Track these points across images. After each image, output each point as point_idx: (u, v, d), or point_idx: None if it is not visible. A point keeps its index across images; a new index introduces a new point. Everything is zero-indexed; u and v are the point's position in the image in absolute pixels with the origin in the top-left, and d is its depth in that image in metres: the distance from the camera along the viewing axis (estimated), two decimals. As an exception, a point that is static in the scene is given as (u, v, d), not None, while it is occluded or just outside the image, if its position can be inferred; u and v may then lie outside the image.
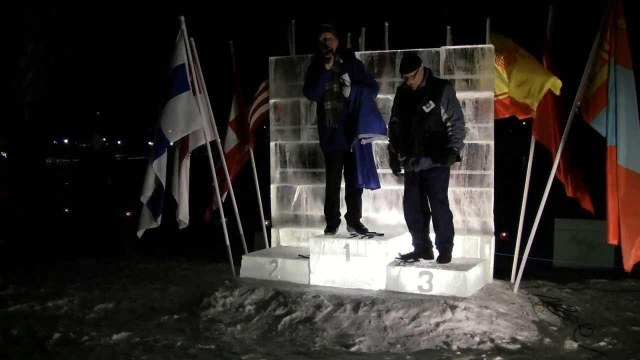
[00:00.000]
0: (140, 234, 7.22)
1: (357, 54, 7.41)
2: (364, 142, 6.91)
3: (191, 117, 7.10)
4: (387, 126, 7.01)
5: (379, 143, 7.50)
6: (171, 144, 7.18)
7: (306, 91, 7.09)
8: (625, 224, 5.80)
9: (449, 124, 6.49)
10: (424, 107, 6.51)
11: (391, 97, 7.45)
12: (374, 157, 7.54)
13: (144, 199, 7.09)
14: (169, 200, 7.41)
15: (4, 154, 11.61)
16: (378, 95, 7.30)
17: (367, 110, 6.85)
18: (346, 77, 6.90)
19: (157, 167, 6.99)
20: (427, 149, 6.53)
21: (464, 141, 6.82)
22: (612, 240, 5.89)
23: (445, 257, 6.70)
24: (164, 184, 7.05)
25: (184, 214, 7.42)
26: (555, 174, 6.57)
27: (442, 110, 6.49)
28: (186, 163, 7.45)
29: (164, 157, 7.07)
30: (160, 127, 6.99)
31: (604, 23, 6.08)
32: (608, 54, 5.98)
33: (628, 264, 5.87)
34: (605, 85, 5.95)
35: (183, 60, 7.11)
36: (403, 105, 6.73)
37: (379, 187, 7.11)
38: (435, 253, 6.85)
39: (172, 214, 7.43)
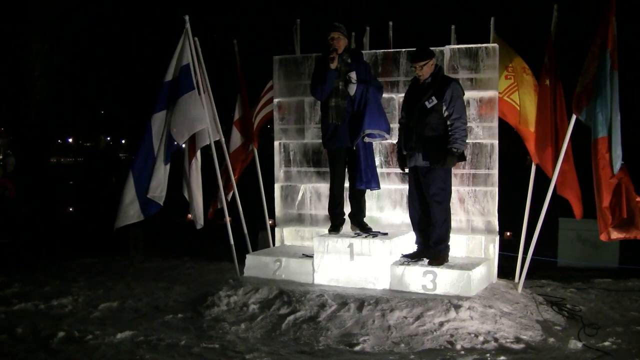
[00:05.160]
0: (118, 225, 6.96)
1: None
2: (367, 139, 6.89)
3: (197, 117, 7.09)
4: (391, 125, 7.01)
5: (383, 143, 7.50)
6: (176, 143, 7.17)
7: (313, 91, 7.07)
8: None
9: (448, 122, 6.45)
10: (426, 103, 6.49)
11: (395, 96, 7.48)
12: (379, 157, 7.55)
13: (156, 197, 6.92)
14: (177, 200, 7.42)
15: (9, 152, 11.64)
16: (382, 95, 7.26)
17: (374, 108, 6.85)
18: (353, 75, 6.90)
19: (165, 170, 6.95)
20: (423, 146, 6.50)
21: (468, 140, 6.82)
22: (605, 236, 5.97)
23: (437, 260, 6.55)
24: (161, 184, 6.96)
25: (198, 214, 7.42)
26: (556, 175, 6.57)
27: (444, 108, 6.47)
28: (196, 163, 7.45)
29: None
30: (169, 129, 6.98)
31: (600, 18, 6.11)
32: (599, 48, 6.02)
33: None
34: (593, 77, 6.02)
35: (188, 60, 7.12)
36: (409, 99, 6.73)
37: (379, 187, 7.08)
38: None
39: (176, 214, 7.42)
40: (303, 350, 5.44)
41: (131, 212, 6.93)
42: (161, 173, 6.96)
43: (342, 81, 6.92)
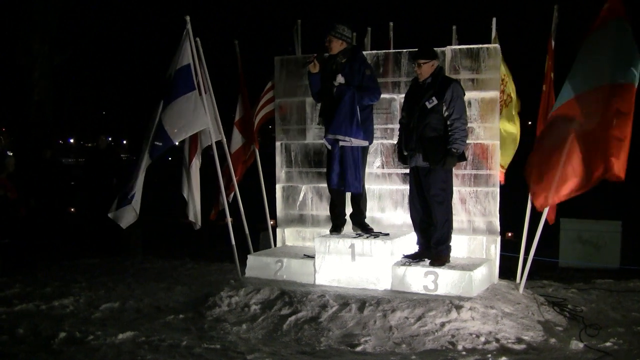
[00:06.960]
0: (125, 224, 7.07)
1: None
2: (341, 143, 6.71)
3: (197, 118, 7.07)
4: (390, 126, 6.98)
5: (384, 143, 7.50)
6: (176, 144, 7.18)
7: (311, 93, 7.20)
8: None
9: (448, 122, 6.45)
10: (427, 103, 6.48)
11: (396, 96, 7.47)
12: (380, 157, 7.55)
13: (130, 188, 6.90)
14: (179, 199, 7.40)
15: (10, 153, 11.67)
16: (383, 95, 7.09)
17: (343, 112, 6.65)
18: (339, 78, 6.83)
19: (145, 164, 6.90)
20: (423, 146, 6.49)
21: (469, 141, 6.81)
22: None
23: (438, 261, 6.55)
24: (141, 181, 6.92)
25: (195, 215, 7.41)
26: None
27: (444, 108, 6.45)
28: (196, 163, 7.44)
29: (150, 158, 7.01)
30: (163, 127, 6.94)
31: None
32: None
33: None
34: None
35: (189, 61, 7.10)
36: (409, 100, 6.73)
37: (358, 191, 6.91)
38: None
39: (177, 214, 7.43)
40: (304, 351, 5.44)
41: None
42: (140, 167, 6.91)
43: (329, 83, 6.89)
